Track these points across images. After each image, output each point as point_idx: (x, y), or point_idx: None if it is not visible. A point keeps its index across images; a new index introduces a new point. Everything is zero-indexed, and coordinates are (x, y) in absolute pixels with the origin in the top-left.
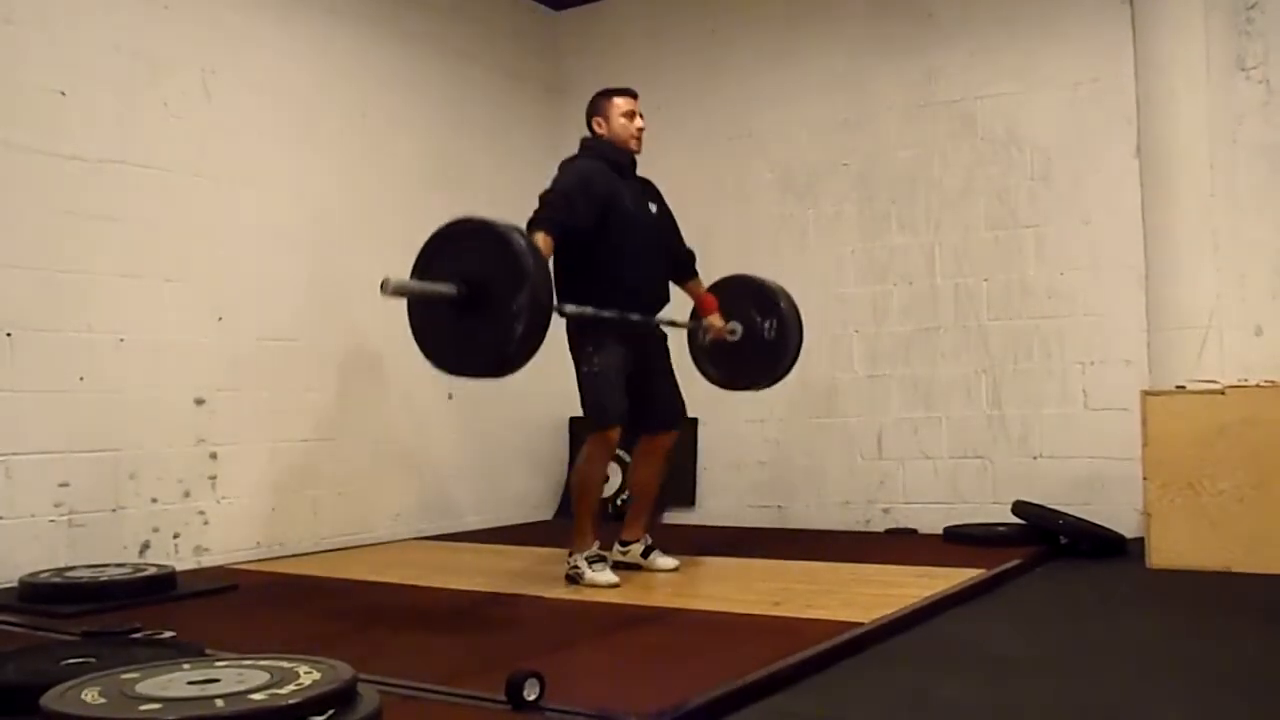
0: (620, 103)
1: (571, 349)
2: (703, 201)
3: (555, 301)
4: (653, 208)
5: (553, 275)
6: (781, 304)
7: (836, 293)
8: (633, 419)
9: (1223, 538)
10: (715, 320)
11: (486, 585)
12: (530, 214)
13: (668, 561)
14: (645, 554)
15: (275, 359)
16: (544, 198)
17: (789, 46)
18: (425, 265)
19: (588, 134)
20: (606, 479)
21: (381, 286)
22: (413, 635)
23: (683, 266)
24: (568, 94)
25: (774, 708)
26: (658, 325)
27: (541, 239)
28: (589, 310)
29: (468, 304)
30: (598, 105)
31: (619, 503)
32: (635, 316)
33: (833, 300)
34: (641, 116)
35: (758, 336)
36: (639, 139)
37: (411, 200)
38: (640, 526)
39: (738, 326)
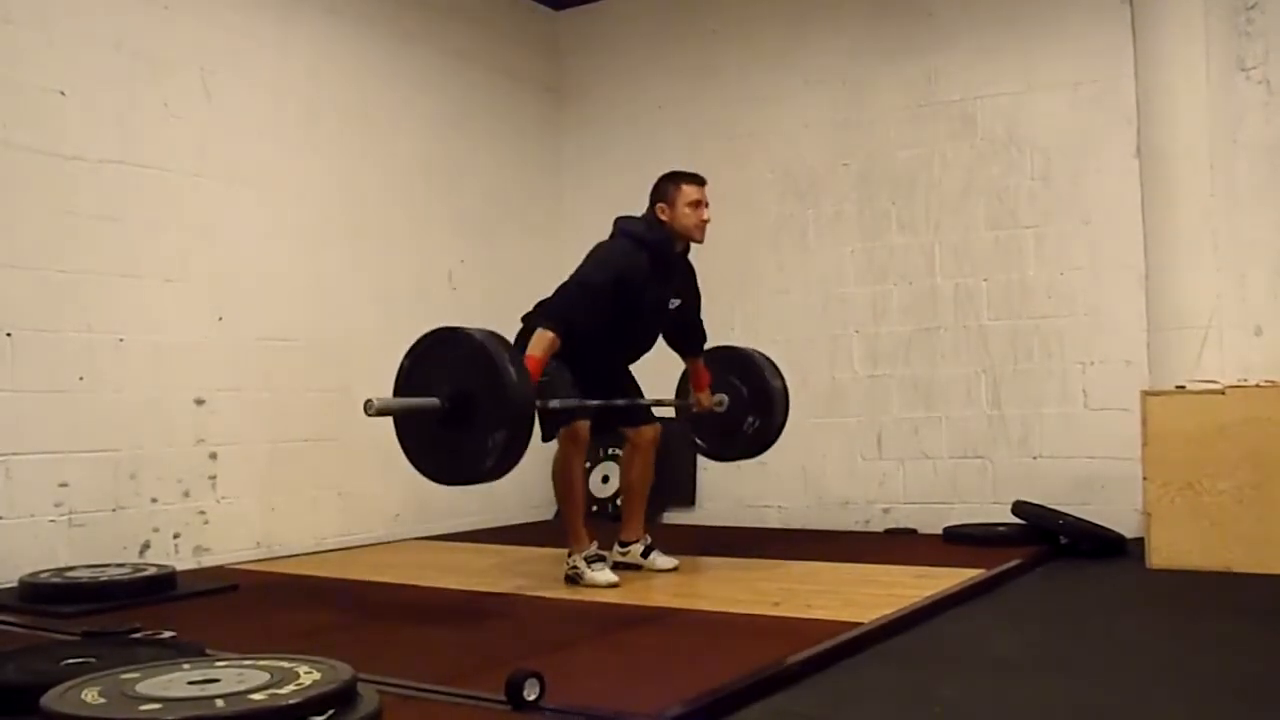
0: (690, 191)
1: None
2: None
3: (539, 401)
4: (674, 304)
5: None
6: (768, 377)
7: (836, 293)
8: (616, 418)
9: (1223, 538)
10: (703, 397)
11: (486, 585)
12: (548, 297)
13: (667, 561)
14: (645, 554)
15: (275, 359)
16: (564, 289)
17: (789, 46)
18: (414, 366)
19: (634, 214)
20: (584, 475)
21: (365, 407)
22: (412, 635)
23: (693, 346)
24: (568, 94)
25: (774, 708)
26: (642, 405)
27: (548, 341)
28: (574, 403)
29: (451, 415)
30: (665, 190)
31: (618, 503)
32: (620, 402)
33: (833, 300)
34: (708, 206)
35: (744, 408)
36: (703, 230)
37: (411, 200)
38: (638, 526)
39: (724, 398)
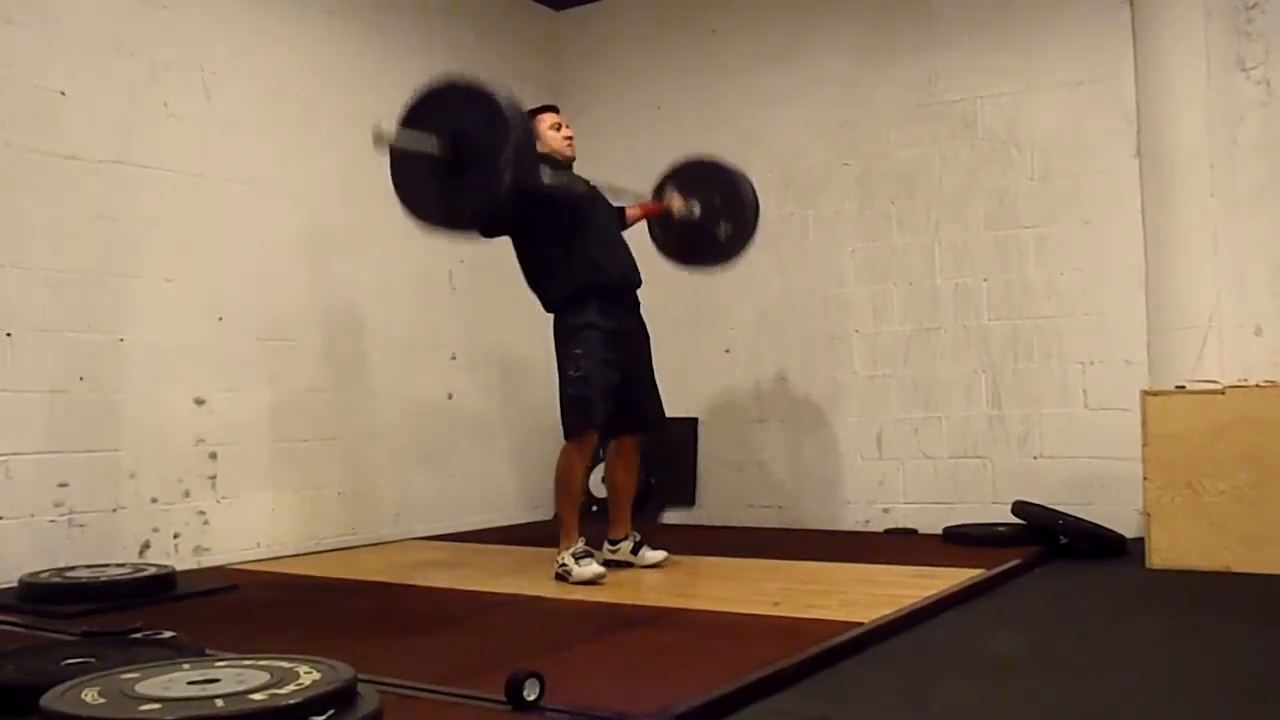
0: (545, 117)
1: (557, 346)
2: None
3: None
4: (605, 197)
5: (531, 271)
6: (740, 184)
7: (836, 293)
8: (612, 420)
9: (1223, 538)
10: (674, 199)
11: (486, 585)
12: None
13: (656, 555)
14: (634, 550)
15: (275, 359)
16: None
17: (789, 46)
18: (411, 123)
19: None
20: (589, 475)
21: (372, 134)
22: (413, 635)
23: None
24: (568, 94)
25: (774, 708)
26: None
27: None
28: (564, 176)
29: (452, 162)
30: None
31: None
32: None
33: (833, 300)
34: (568, 126)
35: (716, 216)
36: (571, 146)
37: None
38: (625, 523)
39: (697, 206)
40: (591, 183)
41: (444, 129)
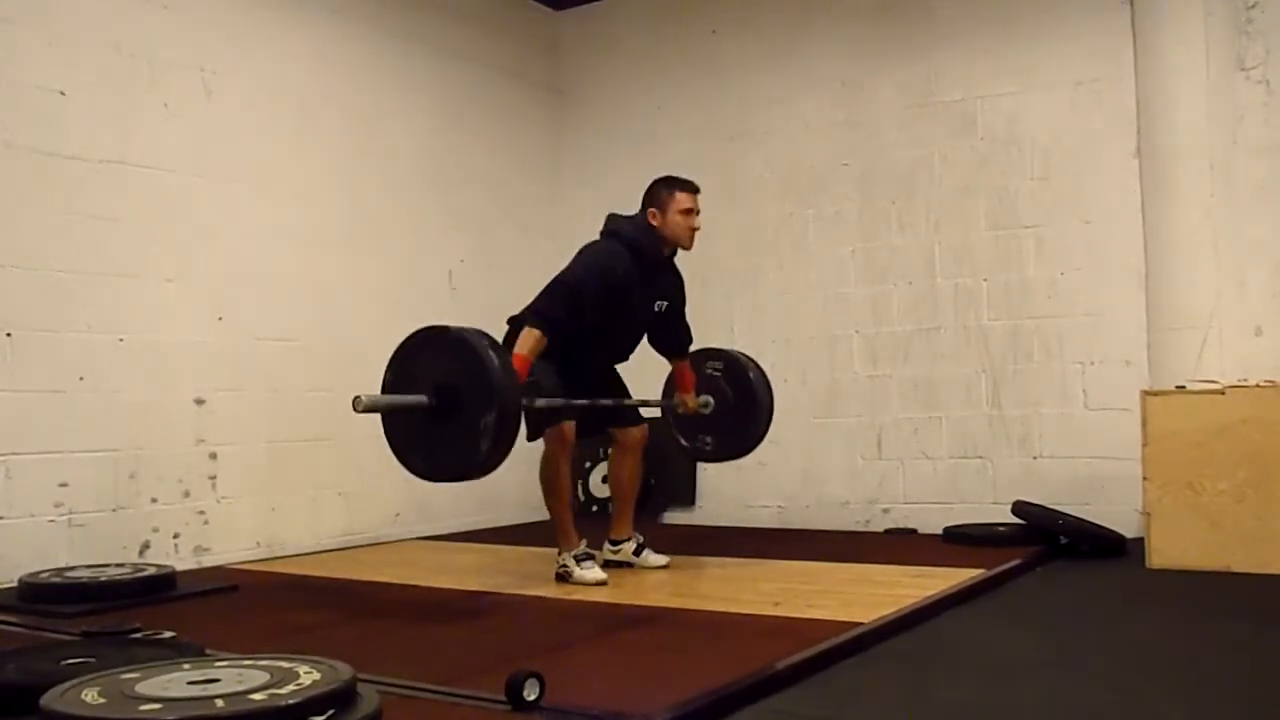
0: (683, 199)
1: None
2: (703, 201)
3: (525, 399)
4: (660, 306)
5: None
6: (750, 374)
7: (836, 293)
8: (604, 419)
9: (1222, 538)
10: (688, 398)
11: (486, 585)
12: (534, 299)
13: (659, 559)
14: (637, 552)
15: (275, 359)
16: (550, 289)
17: (789, 46)
18: (400, 367)
19: (626, 213)
20: (569, 476)
21: (354, 404)
22: (412, 635)
23: (678, 348)
24: (568, 94)
25: (774, 708)
26: (629, 405)
27: (535, 339)
28: (560, 402)
29: (439, 411)
30: (658, 195)
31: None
32: (606, 402)
33: (833, 300)
34: (699, 214)
35: (729, 409)
36: (693, 238)
37: (411, 200)
38: (628, 524)
39: (709, 400)
40: (667, 287)
41: (430, 379)
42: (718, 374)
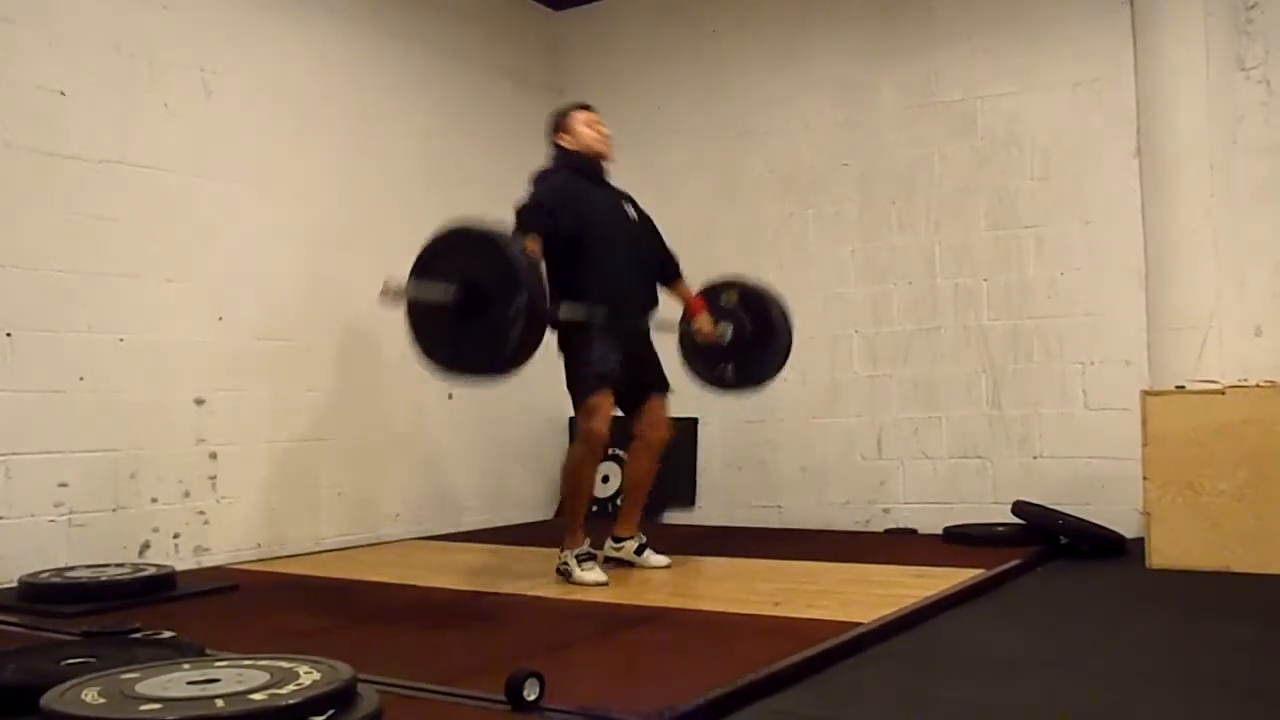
0: (581, 114)
1: (561, 348)
2: (703, 201)
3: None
4: (631, 212)
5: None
6: (771, 309)
7: (836, 293)
8: (622, 397)
9: (1222, 538)
10: (704, 324)
11: (486, 585)
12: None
13: (660, 559)
14: (639, 551)
15: (275, 359)
16: (520, 208)
17: (789, 46)
18: (422, 270)
19: (551, 151)
20: (594, 479)
21: (382, 291)
22: (413, 635)
23: (667, 270)
24: (568, 94)
25: (774, 708)
26: (648, 327)
27: (528, 243)
28: (582, 309)
29: (464, 308)
30: (558, 123)
31: (618, 503)
32: (630, 319)
33: (833, 300)
34: (604, 125)
35: (747, 340)
36: (607, 144)
37: (411, 200)
38: (633, 523)
39: (728, 329)
40: (623, 196)
41: (455, 276)
42: (733, 304)
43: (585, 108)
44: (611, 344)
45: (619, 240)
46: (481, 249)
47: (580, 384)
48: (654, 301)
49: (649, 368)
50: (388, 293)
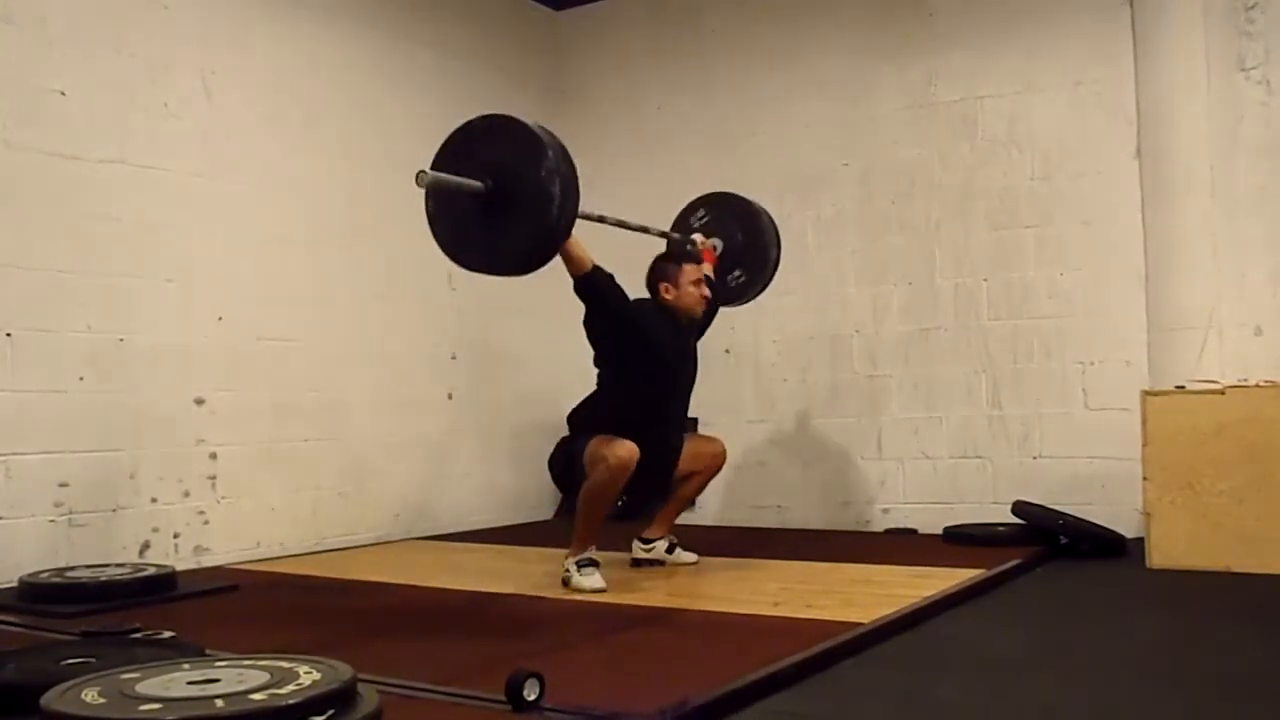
0: (691, 270)
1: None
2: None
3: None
4: (692, 348)
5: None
6: (738, 203)
7: (836, 293)
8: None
9: (1223, 538)
10: (698, 237)
11: (486, 585)
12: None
13: (690, 556)
14: (669, 550)
15: (275, 359)
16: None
17: (789, 47)
18: (448, 162)
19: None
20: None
21: (417, 178)
22: (413, 635)
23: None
24: (568, 94)
25: (774, 708)
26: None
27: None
28: (595, 214)
29: (495, 201)
30: (666, 271)
31: (619, 504)
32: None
33: (833, 300)
34: (708, 281)
35: (739, 241)
36: (703, 305)
37: (411, 200)
38: (666, 526)
39: (719, 242)
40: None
41: (484, 167)
42: (707, 220)
43: (696, 259)
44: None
45: (676, 376)
46: (511, 138)
47: (578, 453)
48: (683, 432)
49: (670, 461)
50: (423, 180)
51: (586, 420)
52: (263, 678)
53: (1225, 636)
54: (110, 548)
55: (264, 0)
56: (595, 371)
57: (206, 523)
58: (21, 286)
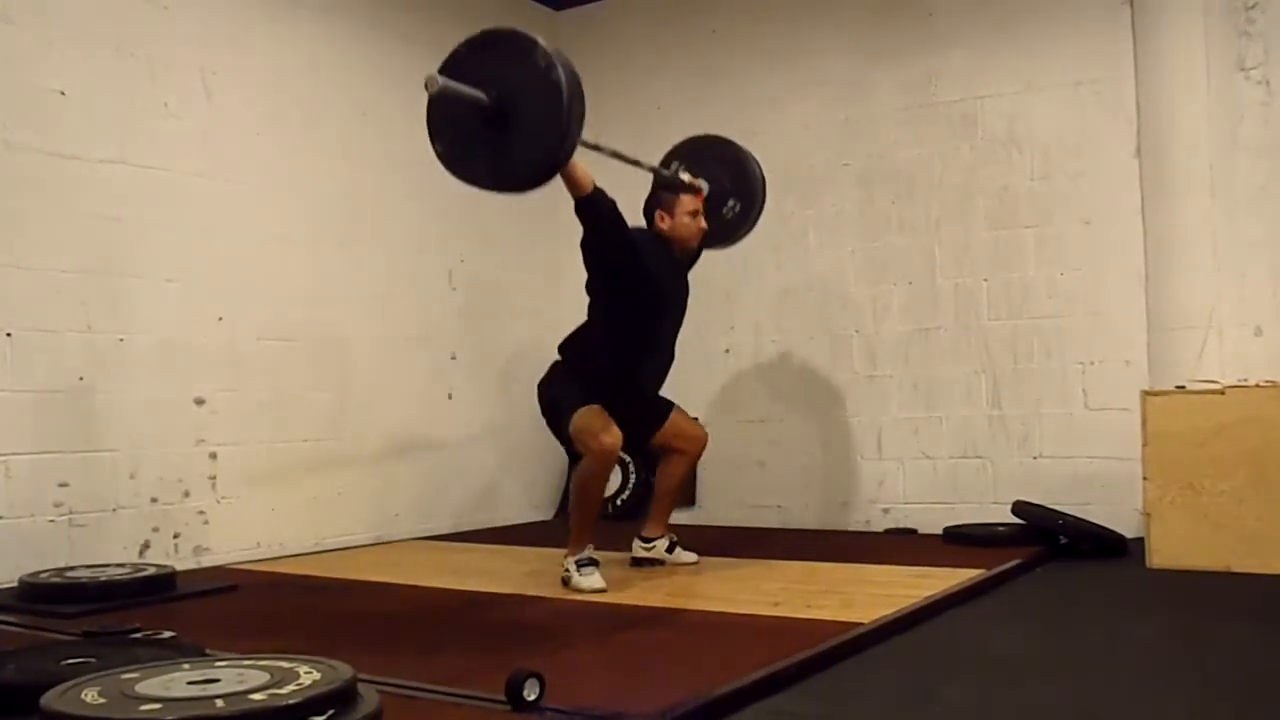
0: (688, 200)
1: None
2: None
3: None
4: (683, 284)
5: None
6: (712, 145)
7: (837, 293)
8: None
9: (1223, 538)
10: (686, 176)
11: (486, 585)
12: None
13: (690, 556)
14: (669, 549)
15: (275, 359)
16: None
17: (790, 46)
18: (457, 67)
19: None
20: (604, 490)
21: (426, 84)
22: (413, 635)
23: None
24: None
25: (774, 708)
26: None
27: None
28: (592, 143)
29: (500, 116)
30: (663, 200)
31: (618, 503)
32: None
33: (833, 300)
34: (704, 214)
35: (726, 182)
36: (700, 238)
37: (411, 200)
38: (663, 524)
39: (705, 184)
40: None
41: (490, 80)
42: (681, 165)
43: (693, 190)
44: (605, 389)
45: (669, 304)
46: (513, 52)
47: (566, 410)
48: (670, 362)
49: (654, 408)
50: (433, 86)
51: (578, 355)
52: (263, 678)
53: (1225, 636)
54: (110, 548)
55: (264, 0)
56: (587, 301)
57: (206, 523)
58: (21, 286)
